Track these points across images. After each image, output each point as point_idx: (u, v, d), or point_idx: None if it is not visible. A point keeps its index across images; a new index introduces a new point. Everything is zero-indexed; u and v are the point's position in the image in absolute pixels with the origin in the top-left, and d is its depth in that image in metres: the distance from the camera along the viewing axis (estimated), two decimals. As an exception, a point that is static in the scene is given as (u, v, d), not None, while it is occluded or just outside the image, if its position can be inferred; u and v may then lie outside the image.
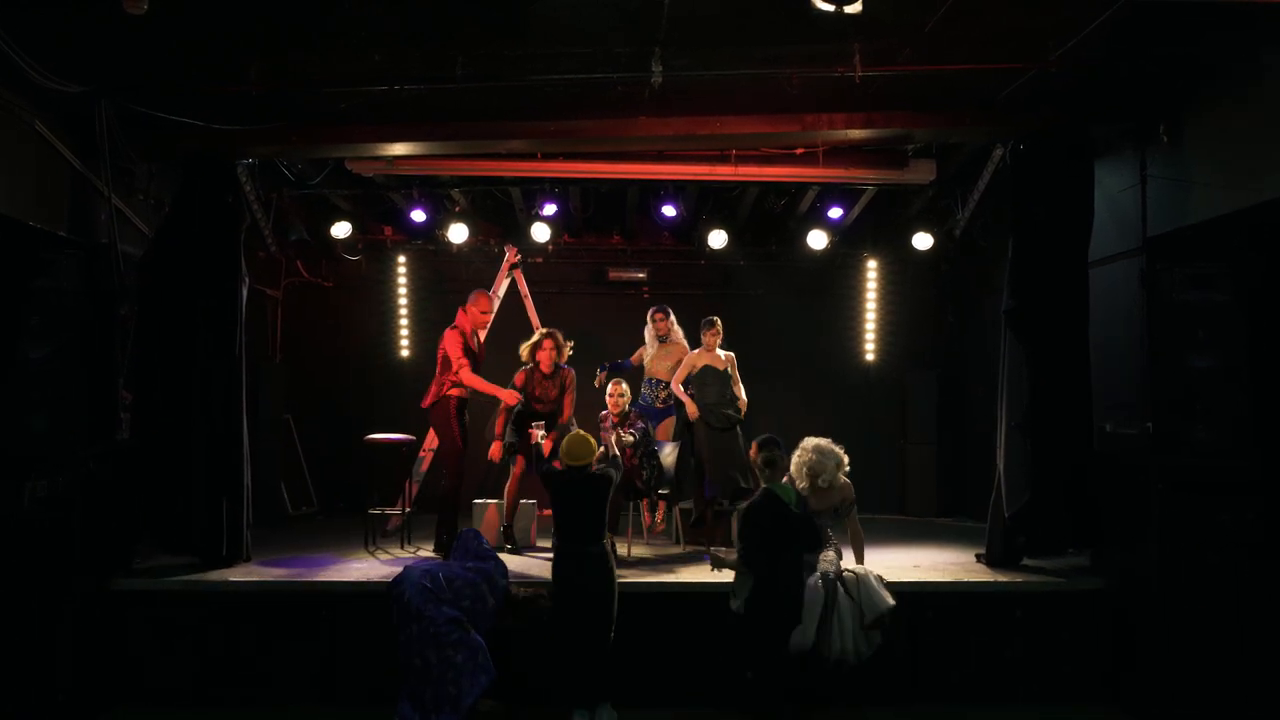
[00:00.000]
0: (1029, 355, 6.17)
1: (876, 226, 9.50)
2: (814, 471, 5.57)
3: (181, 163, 6.48)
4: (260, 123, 6.31)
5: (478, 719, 5.24)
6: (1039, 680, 5.76)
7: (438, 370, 7.07)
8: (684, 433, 7.47)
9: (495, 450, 7.12)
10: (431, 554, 6.84)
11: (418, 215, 8.56)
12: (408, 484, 7.99)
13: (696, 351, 7.47)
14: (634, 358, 8.22)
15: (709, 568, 5.65)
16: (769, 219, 9.42)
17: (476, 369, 7.06)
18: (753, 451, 5.52)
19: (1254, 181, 5.20)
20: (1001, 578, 6.05)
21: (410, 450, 7.92)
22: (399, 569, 5.61)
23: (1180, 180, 5.92)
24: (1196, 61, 5.61)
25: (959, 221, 8.79)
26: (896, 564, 6.38)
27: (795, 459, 5.66)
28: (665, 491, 7.35)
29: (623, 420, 7.08)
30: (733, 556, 5.43)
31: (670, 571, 6.33)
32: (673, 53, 5.57)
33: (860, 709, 5.60)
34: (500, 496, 7.34)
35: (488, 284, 8.27)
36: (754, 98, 6.19)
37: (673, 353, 7.85)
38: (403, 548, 7.19)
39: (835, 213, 8.72)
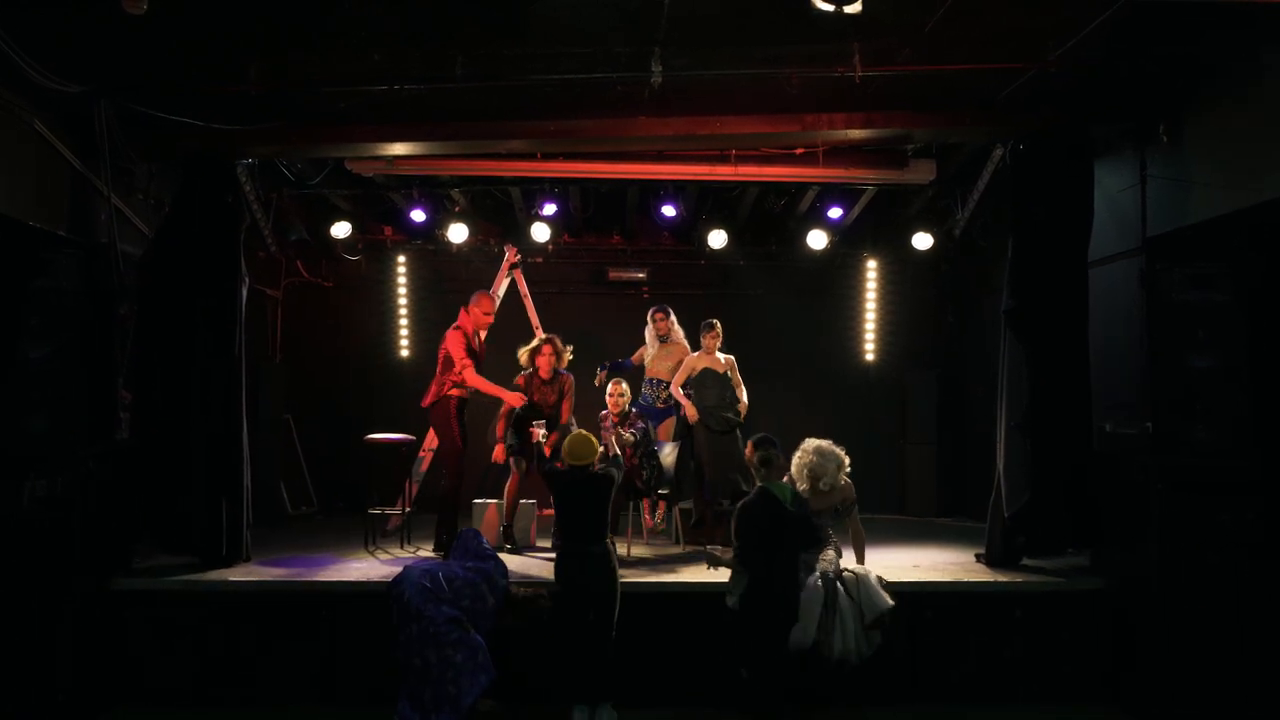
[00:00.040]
0: (1029, 355, 6.17)
1: (876, 226, 9.50)
2: (815, 474, 5.57)
3: (181, 163, 6.48)
4: (260, 123, 6.31)
5: (477, 719, 5.24)
6: (1039, 680, 5.76)
7: (438, 370, 7.07)
8: (684, 435, 7.46)
9: (499, 453, 7.12)
10: (431, 554, 6.83)
11: (417, 215, 8.56)
12: (407, 484, 7.98)
13: (696, 354, 7.47)
14: (634, 357, 8.22)
15: (706, 566, 5.65)
16: (769, 219, 9.42)
17: (479, 370, 7.06)
18: (748, 451, 5.52)
19: (1254, 181, 5.20)
20: (1001, 578, 6.04)
21: (410, 450, 7.92)
22: (399, 569, 5.61)
23: (1180, 180, 5.92)
24: (1196, 61, 5.61)
25: (959, 221, 8.79)
26: (896, 564, 6.37)
27: (796, 460, 5.66)
28: (665, 491, 7.35)
29: (623, 420, 7.09)
30: (729, 555, 5.43)
31: (670, 571, 6.33)
32: (673, 53, 5.58)
33: (860, 709, 5.60)
34: (500, 496, 7.34)
35: (487, 284, 8.27)
36: (754, 98, 6.19)
37: (673, 353, 7.84)
38: (402, 548, 7.19)
39: (835, 213, 8.72)
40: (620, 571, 5.46)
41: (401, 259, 9.85)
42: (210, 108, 6.13)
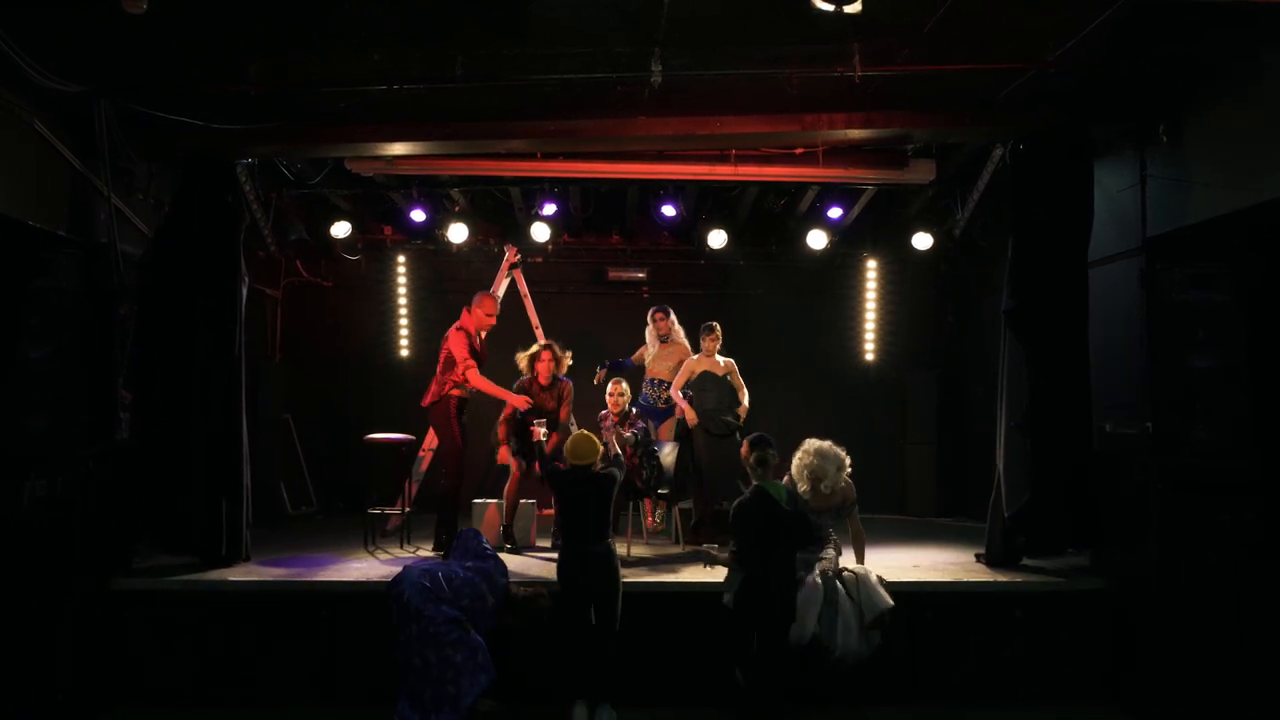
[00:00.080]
0: (1029, 355, 6.17)
1: (876, 226, 9.51)
2: (816, 476, 5.56)
3: (181, 162, 6.48)
4: (260, 122, 6.31)
5: (477, 718, 5.24)
6: (1039, 680, 5.76)
7: (439, 370, 7.06)
8: (683, 438, 7.43)
9: (504, 454, 7.11)
10: (431, 554, 6.83)
11: (417, 215, 8.56)
12: (407, 484, 7.98)
13: (696, 357, 7.46)
14: (634, 357, 8.22)
15: (703, 566, 5.66)
16: (769, 219, 9.42)
17: (481, 371, 7.06)
18: (744, 450, 5.52)
19: (1254, 181, 5.20)
20: (1001, 578, 6.04)
21: (410, 450, 7.92)
22: (398, 569, 5.61)
23: (1180, 180, 5.92)
24: (1196, 61, 5.61)
25: (959, 221, 8.79)
26: (896, 564, 6.37)
27: (796, 461, 5.66)
28: (665, 491, 7.34)
29: (623, 419, 7.09)
30: (724, 554, 5.43)
31: (670, 571, 6.33)
32: (672, 53, 5.58)
33: (860, 709, 5.59)
34: (500, 496, 7.34)
35: (487, 284, 8.27)
36: (753, 98, 6.19)
37: (674, 353, 7.84)
38: (402, 547, 7.19)
39: (835, 212, 8.72)
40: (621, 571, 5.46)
41: (401, 259, 9.85)
42: (210, 108, 6.13)
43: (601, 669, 5.22)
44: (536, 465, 6.39)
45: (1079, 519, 6.08)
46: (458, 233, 8.79)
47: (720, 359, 7.39)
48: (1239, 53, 5.36)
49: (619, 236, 9.87)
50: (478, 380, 6.94)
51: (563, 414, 7.14)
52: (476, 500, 7.49)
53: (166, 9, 4.72)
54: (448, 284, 9.70)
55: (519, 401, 6.97)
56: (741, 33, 5.41)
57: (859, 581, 5.43)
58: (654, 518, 7.99)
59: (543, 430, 6.42)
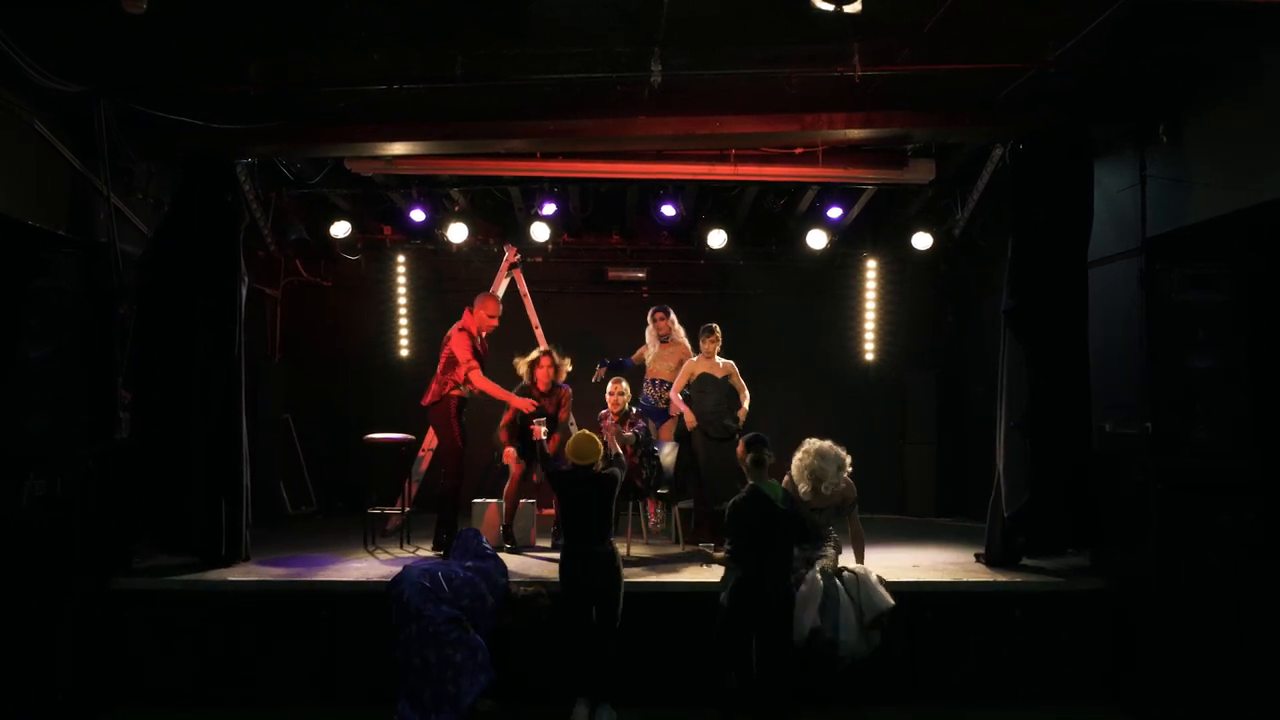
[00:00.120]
0: (1028, 355, 6.17)
1: (876, 226, 9.51)
2: (816, 477, 5.55)
3: (181, 162, 6.48)
4: (260, 122, 6.31)
5: (477, 718, 5.24)
6: (1039, 680, 5.76)
7: (439, 369, 7.05)
8: (683, 441, 7.42)
9: (509, 455, 7.11)
10: (431, 554, 6.83)
11: (417, 215, 8.56)
12: (407, 483, 7.98)
13: (695, 359, 7.43)
14: (635, 357, 8.22)
15: (700, 565, 5.65)
16: (768, 219, 9.42)
17: (483, 372, 7.06)
18: (740, 450, 5.51)
19: (1254, 181, 5.21)
20: (1001, 578, 6.05)
21: (409, 450, 7.92)
22: (398, 569, 5.60)
23: (1180, 180, 5.92)
24: (1196, 61, 5.61)
25: (958, 221, 8.79)
26: (896, 564, 6.37)
27: (796, 462, 5.65)
28: (664, 491, 7.34)
29: (623, 419, 7.08)
30: (721, 554, 5.42)
31: (670, 571, 6.33)
32: (672, 53, 5.58)
33: (860, 709, 5.60)
34: (500, 496, 7.34)
35: (487, 284, 8.27)
36: (753, 97, 6.19)
37: (674, 352, 7.84)
38: (402, 547, 7.19)
39: (834, 212, 8.72)
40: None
41: (401, 258, 9.85)
42: (210, 107, 6.13)
43: (601, 669, 5.23)
44: (534, 475, 6.39)
45: (1079, 519, 6.08)
46: (457, 232, 8.79)
47: (720, 361, 7.36)
48: (1239, 53, 5.36)
49: (619, 236, 9.87)
50: (480, 381, 6.94)
51: (562, 416, 7.14)
52: (476, 500, 7.49)
53: (166, 9, 4.72)
54: (447, 284, 9.70)
55: (523, 404, 6.96)
56: (741, 32, 5.41)
57: (859, 581, 5.42)
58: (654, 517, 7.99)
59: (543, 429, 6.41)
